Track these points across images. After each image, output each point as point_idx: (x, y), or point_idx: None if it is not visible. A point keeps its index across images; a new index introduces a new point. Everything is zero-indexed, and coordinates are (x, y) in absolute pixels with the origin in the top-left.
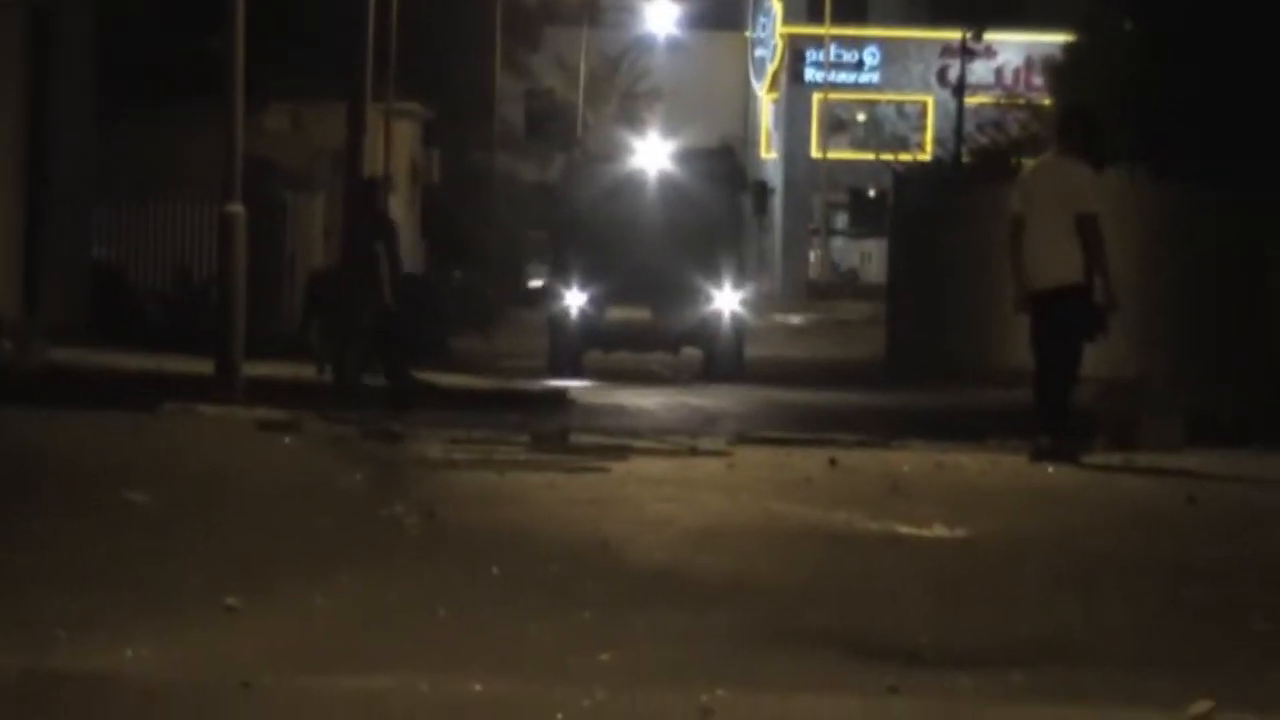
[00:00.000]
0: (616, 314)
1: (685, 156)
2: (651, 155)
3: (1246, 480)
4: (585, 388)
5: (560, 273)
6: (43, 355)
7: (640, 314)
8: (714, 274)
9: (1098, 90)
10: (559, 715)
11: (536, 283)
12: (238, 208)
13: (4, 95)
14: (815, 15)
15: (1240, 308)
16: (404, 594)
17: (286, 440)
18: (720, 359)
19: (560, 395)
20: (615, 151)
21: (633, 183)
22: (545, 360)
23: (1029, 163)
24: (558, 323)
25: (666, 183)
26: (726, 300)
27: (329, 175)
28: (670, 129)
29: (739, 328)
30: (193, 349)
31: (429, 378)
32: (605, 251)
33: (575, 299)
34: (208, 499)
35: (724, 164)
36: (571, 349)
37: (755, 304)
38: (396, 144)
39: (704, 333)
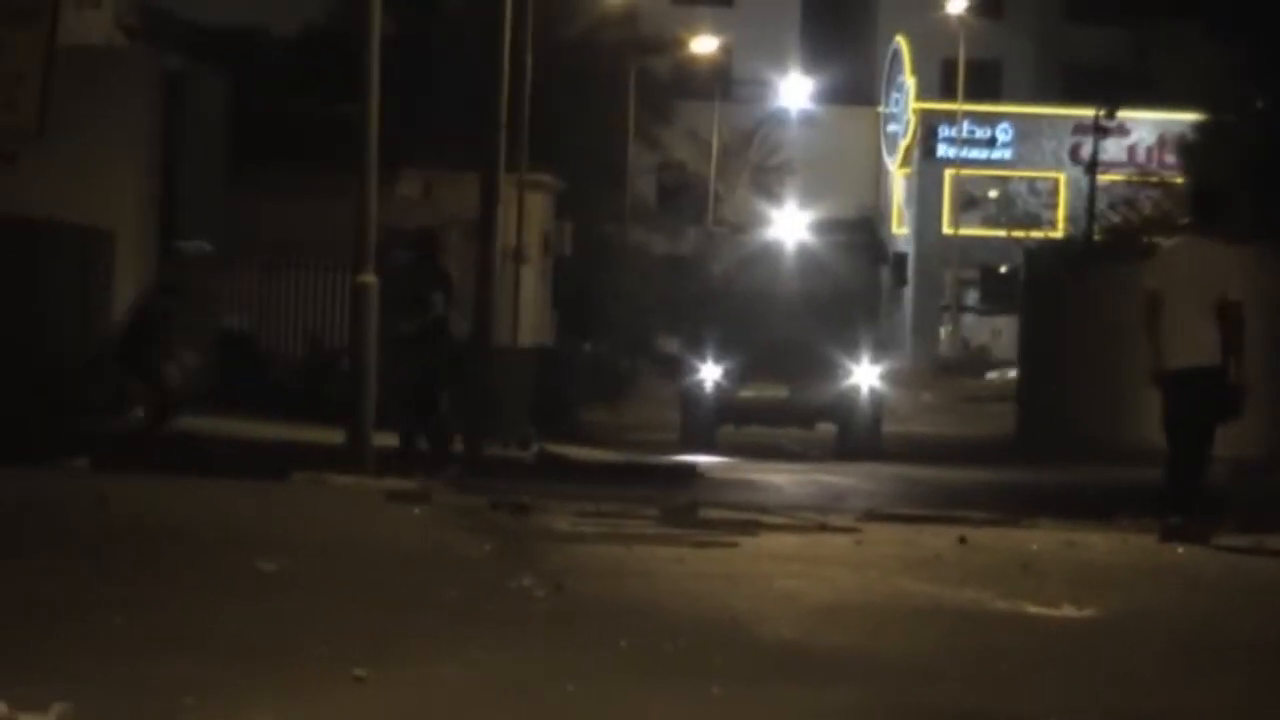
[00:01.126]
0: (752, 387)
1: (824, 227)
2: (789, 226)
3: None
4: (717, 463)
5: (695, 345)
6: (174, 422)
7: (776, 388)
8: (852, 347)
9: (1229, 168)
10: None
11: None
12: (371, 277)
13: (137, 163)
14: (948, 91)
15: None
16: (532, 667)
17: (416, 511)
18: (857, 435)
19: (689, 469)
20: (752, 221)
21: (770, 253)
22: (678, 433)
23: (1166, 241)
24: (692, 396)
25: (804, 253)
26: (864, 374)
27: (461, 245)
28: (803, 204)
29: (876, 403)
30: (322, 418)
31: (558, 449)
32: (741, 323)
33: (710, 372)
34: (337, 569)
35: (863, 235)
36: (705, 423)
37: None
38: (529, 215)
39: (840, 407)
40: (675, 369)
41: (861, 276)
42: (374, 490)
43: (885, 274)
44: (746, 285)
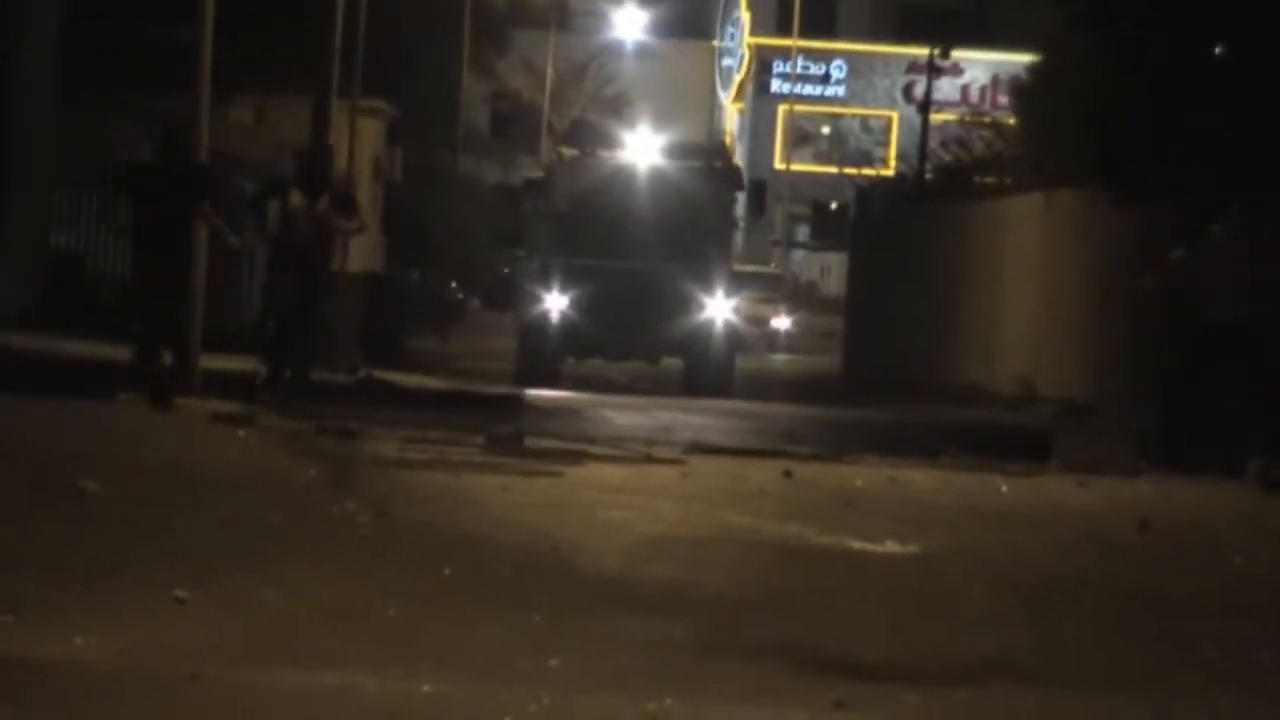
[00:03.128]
0: (597, 319)
1: (676, 152)
2: (640, 150)
3: (1198, 507)
4: (556, 398)
5: (539, 273)
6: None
7: (623, 319)
8: (706, 279)
9: (1061, 109)
10: (506, 718)
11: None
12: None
13: None
14: (784, 27)
15: None
16: (354, 592)
17: (241, 434)
18: (709, 371)
19: (516, 399)
20: (602, 144)
21: (620, 178)
22: (515, 365)
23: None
24: (533, 327)
25: (657, 178)
26: (719, 308)
27: (293, 170)
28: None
29: (731, 338)
30: None
31: (386, 376)
32: (589, 251)
33: (555, 301)
34: (161, 490)
35: (718, 160)
36: (548, 355)
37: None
38: (361, 141)
39: (692, 342)
40: (509, 299)
41: (716, 204)
42: (199, 412)
43: (741, 202)
44: (594, 211)
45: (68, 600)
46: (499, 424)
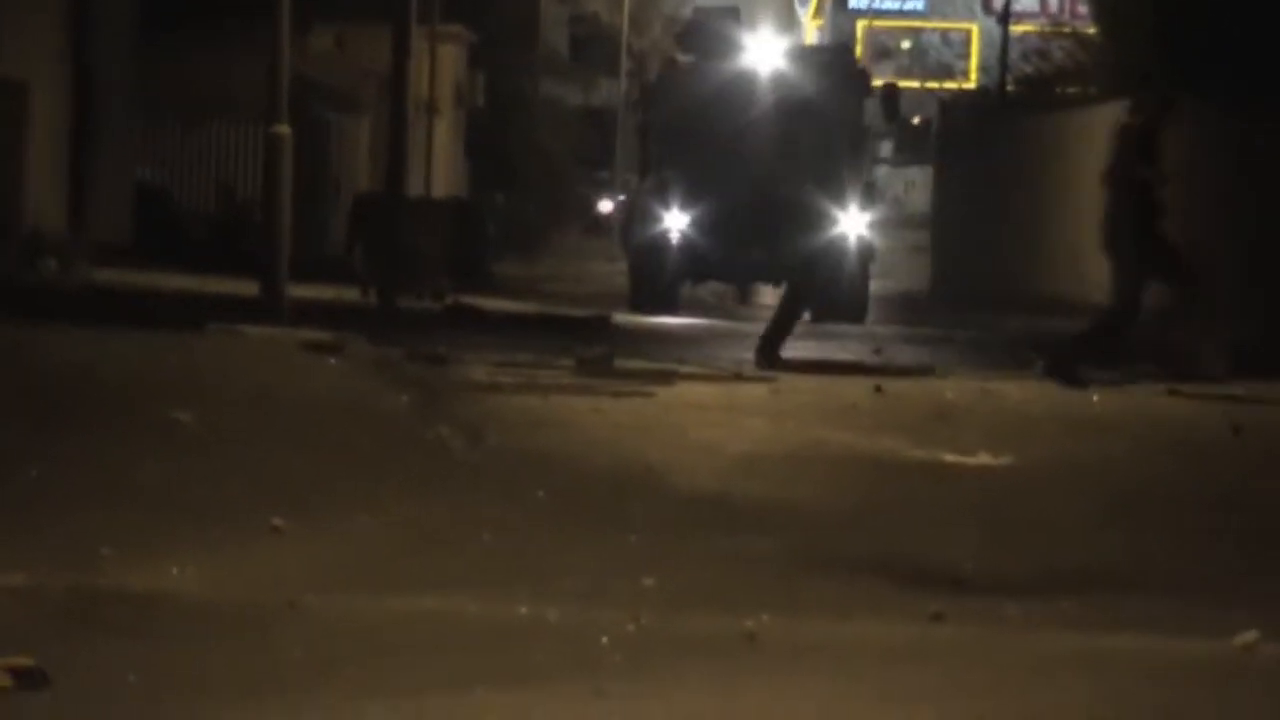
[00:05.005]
0: (715, 238)
1: (801, 56)
2: (762, 54)
3: None
4: (658, 323)
5: (651, 189)
6: (87, 274)
7: (744, 238)
8: (836, 193)
9: (1141, 19)
10: (604, 639)
11: (605, 207)
12: (284, 129)
13: (48, 16)
14: None
15: None
16: (449, 517)
17: (331, 362)
18: (841, 296)
19: (603, 320)
20: (720, 47)
21: (742, 86)
22: (629, 289)
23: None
24: (647, 248)
25: (781, 86)
26: (852, 224)
27: (375, 98)
28: None
29: (864, 257)
30: (236, 270)
31: (473, 301)
32: (708, 167)
33: (675, 220)
34: (253, 420)
35: (845, 65)
36: (663, 279)
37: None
38: (441, 68)
39: (824, 263)
40: (601, 222)
41: (845, 111)
42: (289, 341)
43: (872, 108)
44: (712, 121)
45: (164, 532)
46: (588, 347)
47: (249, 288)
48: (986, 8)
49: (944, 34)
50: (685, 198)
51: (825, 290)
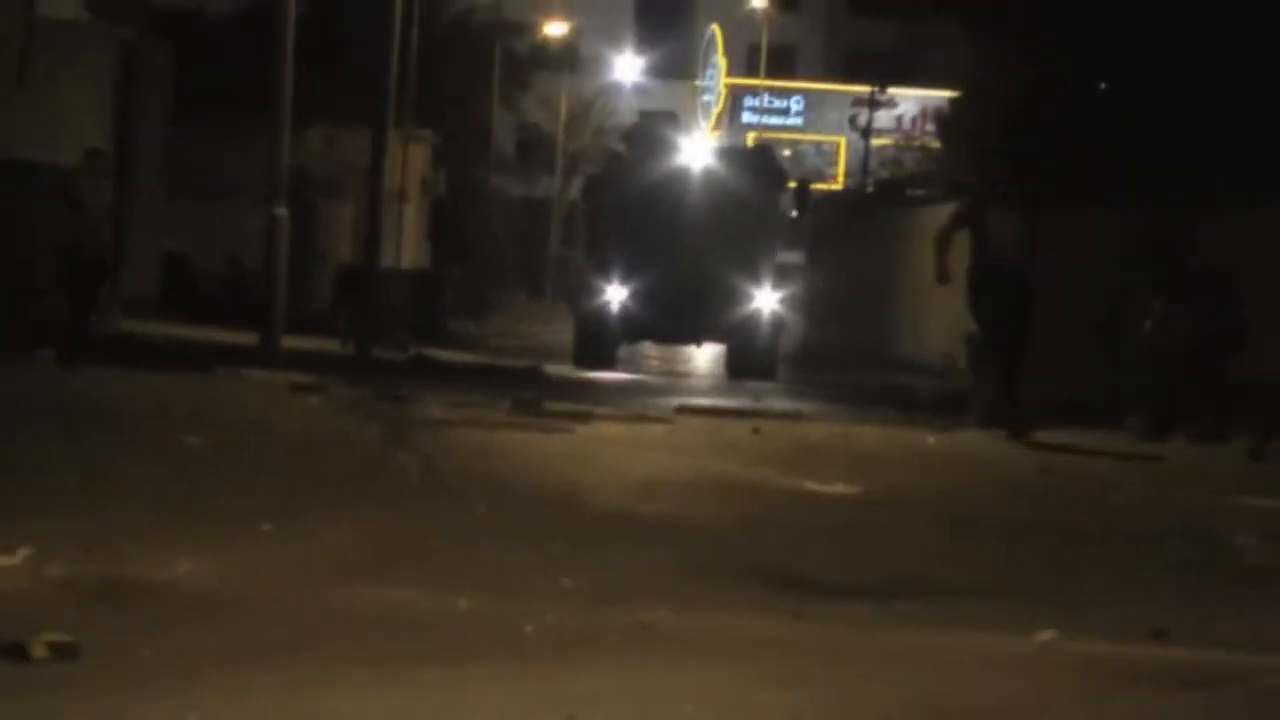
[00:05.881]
0: (649, 306)
1: (727, 154)
2: (695, 152)
3: (1091, 454)
4: (585, 376)
5: (597, 264)
6: (120, 324)
7: (674, 307)
8: (752, 271)
9: (978, 136)
10: (528, 627)
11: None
12: (282, 210)
13: (98, 116)
14: (752, 68)
15: (1092, 310)
16: (407, 527)
17: (315, 400)
18: (754, 356)
19: (536, 370)
20: (658, 145)
21: (676, 179)
22: (573, 348)
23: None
24: (592, 314)
25: (710, 180)
26: (766, 298)
27: (356, 186)
28: None
29: (777, 326)
30: (240, 322)
31: (431, 353)
32: (644, 245)
33: (611, 290)
34: (249, 445)
35: (764, 162)
36: (606, 341)
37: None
38: (411, 163)
39: (738, 329)
40: (550, 289)
41: (762, 202)
42: (281, 383)
43: (786, 201)
44: (650, 207)
45: (176, 531)
46: (523, 392)
47: (250, 338)
48: (853, 125)
49: (818, 145)
50: (624, 271)
51: (740, 350)
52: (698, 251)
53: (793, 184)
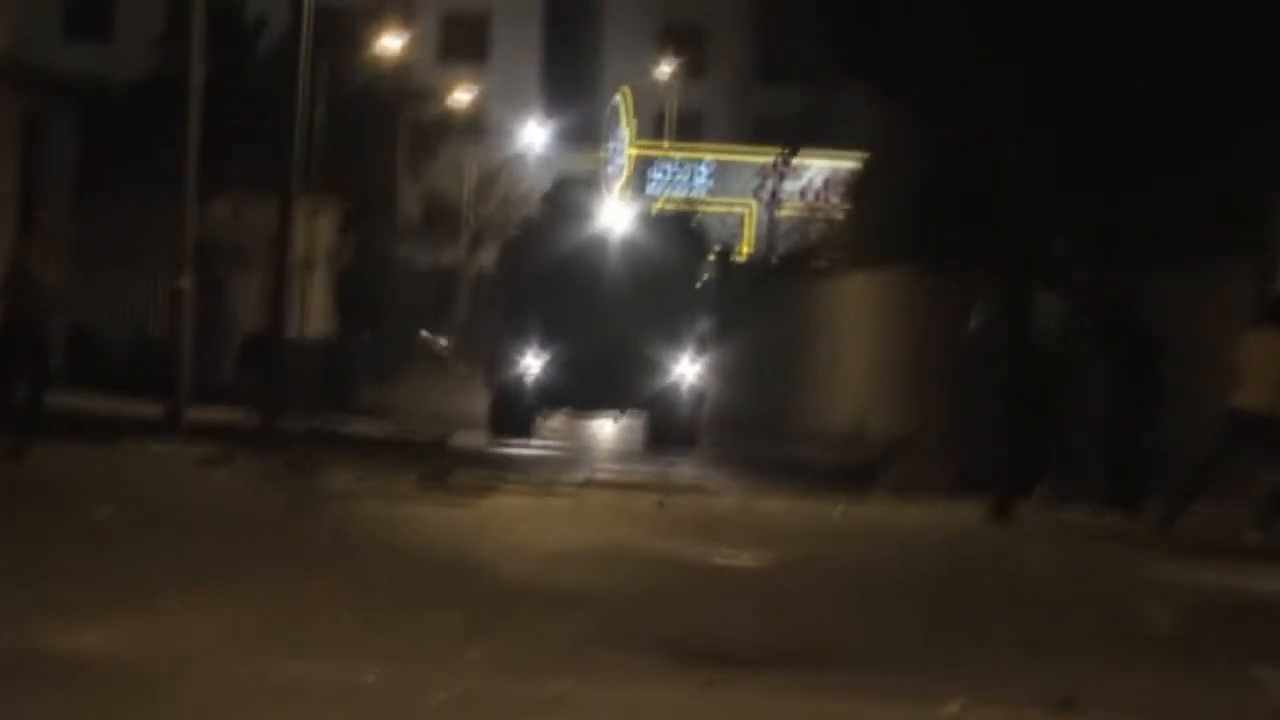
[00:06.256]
0: (567, 375)
1: (647, 220)
2: (611, 217)
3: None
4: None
5: (514, 332)
6: (25, 396)
7: (593, 376)
8: (672, 338)
9: (879, 204)
10: (434, 698)
11: (440, 341)
12: (185, 283)
13: (2, 179)
14: (659, 135)
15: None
16: (315, 598)
17: (222, 472)
18: (674, 426)
19: (442, 442)
20: (576, 208)
21: (594, 244)
22: (489, 417)
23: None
24: (508, 384)
25: (629, 246)
26: (687, 368)
27: (262, 255)
28: None
29: (698, 396)
30: (148, 393)
31: (339, 424)
32: (561, 313)
33: (530, 363)
34: (156, 517)
35: (686, 229)
36: (522, 411)
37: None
38: (317, 232)
39: (658, 398)
40: (445, 357)
41: (683, 268)
42: (187, 455)
43: (707, 267)
44: (570, 272)
45: (83, 604)
46: (429, 463)
47: (156, 409)
48: (757, 195)
49: (725, 214)
50: (541, 339)
51: (660, 420)
52: (618, 319)
53: (714, 251)
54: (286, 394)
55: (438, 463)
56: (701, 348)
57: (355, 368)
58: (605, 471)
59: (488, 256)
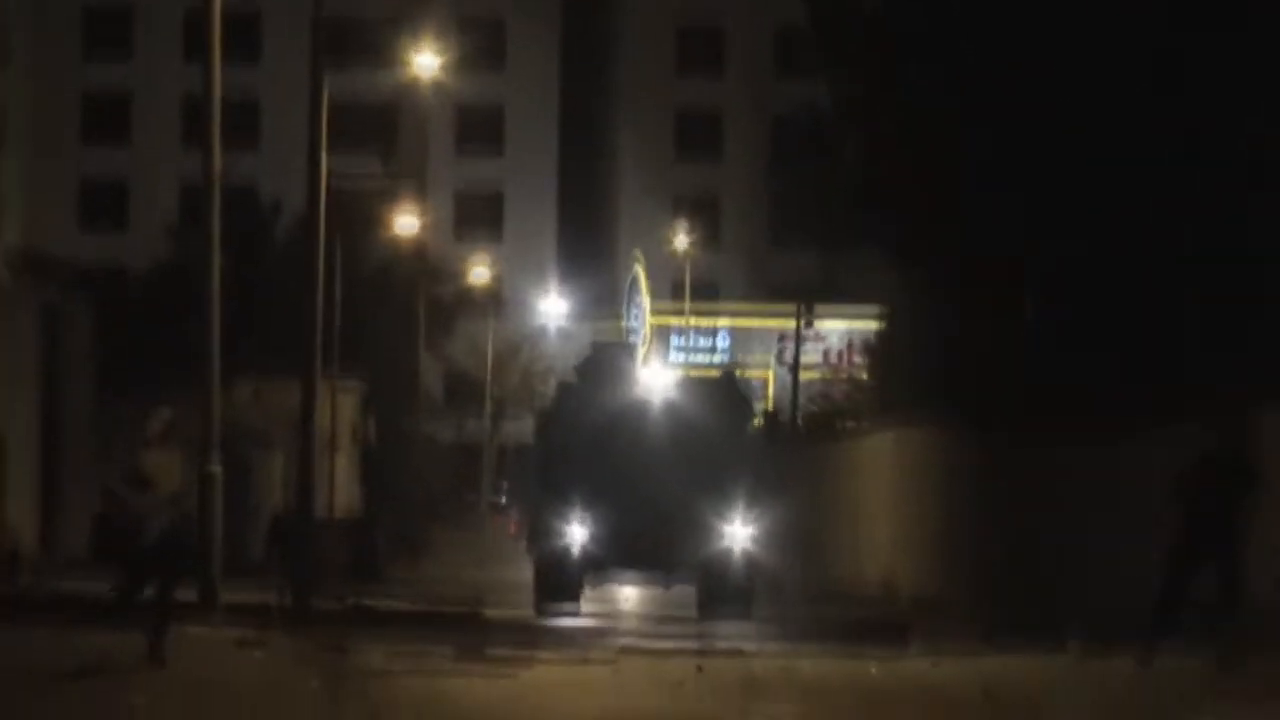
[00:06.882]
0: (612, 546)
1: (688, 385)
2: (654, 383)
3: (1031, 677)
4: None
5: (554, 502)
6: (53, 585)
7: (638, 545)
8: (721, 504)
9: (902, 363)
10: None
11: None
12: (217, 468)
13: (22, 377)
14: (677, 295)
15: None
16: None
17: (257, 654)
18: (727, 594)
19: (476, 615)
20: (614, 375)
21: (636, 411)
22: (534, 592)
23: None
24: (552, 555)
25: (672, 412)
26: (738, 535)
27: (286, 436)
28: None
29: (749, 564)
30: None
31: (370, 601)
32: (606, 482)
33: (576, 534)
34: (195, 703)
35: (728, 392)
36: (567, 582)
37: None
38: (340, 411)
39: (712, 566)
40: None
41: (728, 433)
42: (222, 639)
43: (753, 430)
44: (610, 443)
45: None
46: (464, 637)
47: (188, 593)
48: (779, 359)
49: (745, 380)
50: (585, 509)
51: (716, 589)
52: (664, 482)
53: (758, 414)
54: (316, 573)
55: (471, 636)
56: (752, 510)
57: (381, 545)
58: (642, 637)
59: (511, 429)
